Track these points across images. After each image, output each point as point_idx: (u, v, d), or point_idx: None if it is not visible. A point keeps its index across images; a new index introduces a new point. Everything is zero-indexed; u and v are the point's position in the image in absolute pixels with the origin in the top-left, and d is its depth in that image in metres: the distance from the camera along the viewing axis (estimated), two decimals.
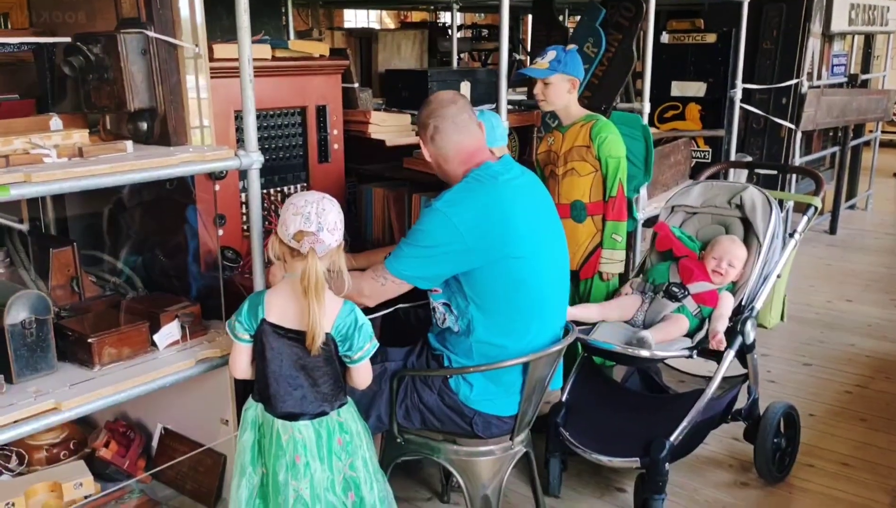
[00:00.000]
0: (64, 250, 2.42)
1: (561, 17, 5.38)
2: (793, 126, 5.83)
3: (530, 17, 7.95)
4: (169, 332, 2.35)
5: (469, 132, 2.39)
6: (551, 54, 3.09)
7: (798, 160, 6.03)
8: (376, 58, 4.48)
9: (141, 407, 2.80)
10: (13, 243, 2.44)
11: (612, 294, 3.18)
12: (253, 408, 2.16)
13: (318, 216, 2.05)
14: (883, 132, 8.67)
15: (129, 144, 2.21)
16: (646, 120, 4.14)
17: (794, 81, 5.70)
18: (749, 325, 2.84)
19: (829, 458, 3.29)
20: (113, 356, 2.22)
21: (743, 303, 2.91)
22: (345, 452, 2.14)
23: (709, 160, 5.17)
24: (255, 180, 2.35)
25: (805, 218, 3.11)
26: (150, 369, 2.23)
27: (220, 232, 2.83)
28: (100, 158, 2.09)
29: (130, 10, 2.30)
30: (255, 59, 2.79)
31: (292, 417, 2.09)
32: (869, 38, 7.57)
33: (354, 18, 10.33)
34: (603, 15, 4.17)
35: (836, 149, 7.10)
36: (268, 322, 2.07)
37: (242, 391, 2.51)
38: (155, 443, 2.78)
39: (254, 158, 2.31)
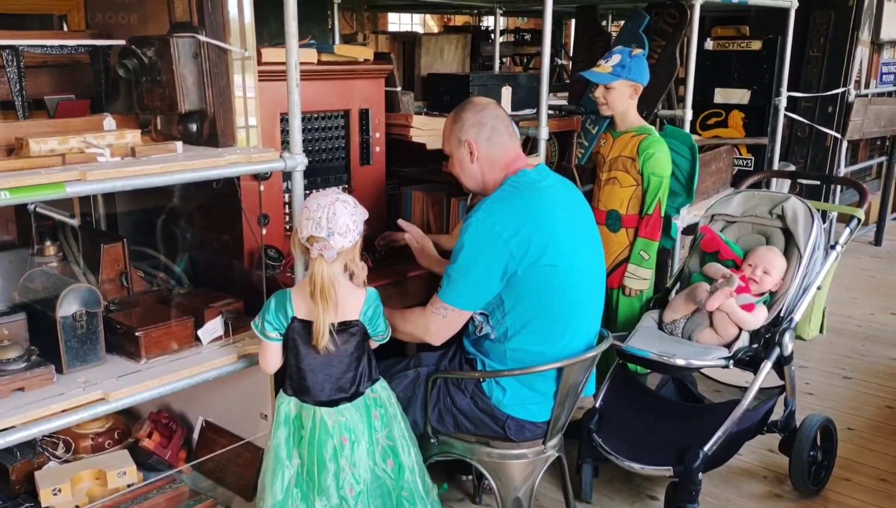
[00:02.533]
0: (114, 246, 2.50)
1: (604, 23, 5.36)
2: (838, 135, 5.75)
3: (573, 21, 7.97)
4: (213, 328, 2.42)
5: (514, 137, 2.42)
6: (616, 58, 3.07)
7: (843, 170, 5.94)
8: (419, 62, 4.52)
9: (183, 400, 2.88)
10: (66, 238, 2.53)
11: (637, 311, 3.18)
12: (286, 403, 2.22)
13: (328, 221, 2.10)
14: None
15: (178, 144, 2.28)
16: (688, 127, 4.14)
17: (840, 90, 5.62)
18: (787, 337, 2.83)
19: (867, 473, 3.25)
20: (159, 350, 2.29)
21: (781, 314, 2.89)
22: (381, 423, 2.25)
23: (751, 168, 5.12)
24: (298, 182, 2.41)
25: (847, 230, 3.08)
26: (193, 363, 2.29)
27: (264, 231, 2.90)
28: (151, 158, 2.16)
29: (183, 15, 2.37)
30: (301, 63, 2.86)
31: (333, 403, 2.18)
32: None
33: (399, 21, 10.39)
34: (647, 21, 4.16)
35: (882, 159, 6.97)
36: (298, 320, 2.13)
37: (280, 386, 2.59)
38: (196, 435, 2.86)
39: (298, 161, 2.36)
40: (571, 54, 5.16)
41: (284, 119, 2.81)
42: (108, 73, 2.46)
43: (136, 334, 2.25)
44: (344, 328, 2.17)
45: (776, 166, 5.06)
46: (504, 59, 5.96)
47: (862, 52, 5.84)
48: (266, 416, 2.61)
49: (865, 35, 5.81)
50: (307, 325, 2.14)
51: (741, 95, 5.11)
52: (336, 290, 2.11)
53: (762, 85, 5.02)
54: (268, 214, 2.90)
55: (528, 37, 6.83)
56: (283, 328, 2.17)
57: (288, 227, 2.98)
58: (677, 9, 4.12)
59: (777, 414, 3.05)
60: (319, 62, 2.95)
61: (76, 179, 1.93)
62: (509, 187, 2.34)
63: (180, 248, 2.82)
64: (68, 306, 2.15)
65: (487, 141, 2.38)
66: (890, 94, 6.87)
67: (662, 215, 3.10)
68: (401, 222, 2.79)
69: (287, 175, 2.58)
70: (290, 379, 2.22)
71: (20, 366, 2.05)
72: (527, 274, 2.25)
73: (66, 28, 2.84)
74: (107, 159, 2.10)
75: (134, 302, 2.52)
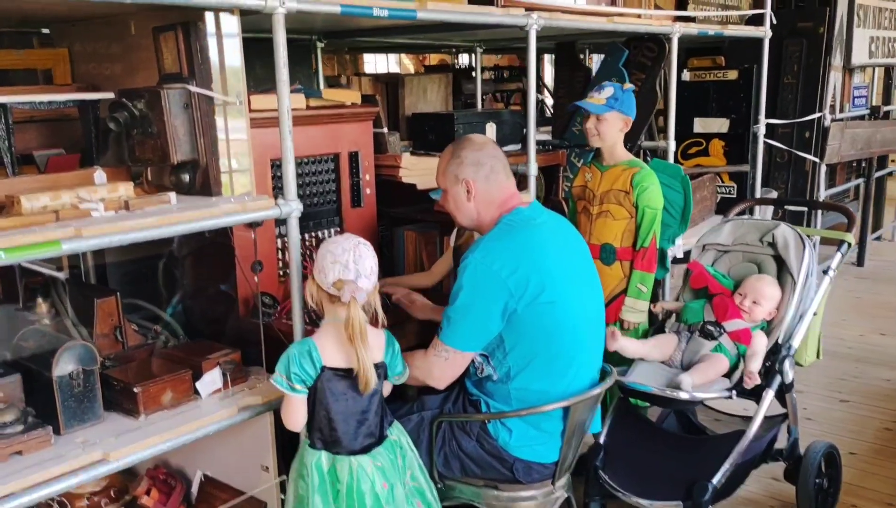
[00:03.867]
0: (107, 300, 2.46)
1: (581, 56, 5.41)
2: (817, 159, 5.82)
3: (548, 57, 8.04)
4: (211, 380, 2.38)
5: (510, 175, 2.42)
6: (609, 91, 3.09)
7: (823, 193, 6.01)
8: (403, 102, 4.54)
9: (181, 454, 2.81)
10: (57, 293, 2.48)
11: (642, 334, 3.17)
12: (317, 458, 2.16)
13: (355, 264, 2.11)
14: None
15: (172, 195, 2.26)
16: (671, 157, 4.18)
17: (816, 115, 5.70)
18: (787, 364, 2.83)
19: (873, 498, 3.24)
20: (157, 405, 2.25)
21: (780, 342, 2.89)
22: (405, 465, 2.24)
23: (734, 195, 5.17)
24: (294, 228, 2.39)
25: (839, 254, 3.10)
26: (194, 417, 2.25)
27: (257, 278, 2.87)
28: (145, 211, 2.13)
29: (172, 65, 2.36)
30: (295, 109, 2.87)
31: (366, 449, 2.16)
32: (889, 70, 7.57)
33: (374, 62, 10.45)
34: (626, 55, 4.21)
35: (860, 181, 7.07)
36: (329, 368, 2.11)
37: (280, 437, 2.54)
38: (195, 490, 2.79)
39: (293, 207, 2.35)
40: (553, 89, 5.20)
41: (275, 165, 2.82)
42: (97, 126, 2.44)
43: (134, 390, 2.20)
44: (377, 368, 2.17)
45: (758, 193, 5.11)
46: (485, 97, 5.99)
47: (835, 78, 5.94)
48: (267, 468, 2.56)
49: (837, 60, 5.92)
50: (338, 373, 2.11)
51: (720, 124, 5.18)
52: (367, 331, 2.10)
53: (740, 113, 5.08)
54: (261, 260, 2.88)
55: (506, 74, 6.89)
56: (312, 379, 2.12)
57: (281, 273, 2.95)
58: (655, 42, 4.19)
59: (780, 442, 3.04)
60: (308, 107, 2.95)
61: (72, 236, 1.90)
62: (505, 226, 2.33)
63: (173, 298, 2.78)
64: (65, 365, 2.10)
65: (486, 180, 2.38)
66: (864, 117, 7.00)
67: (660, 246, 3.12)
68: (382, 285, 2.76)
69: (280, 221, 2.58)
70: (318, 432, 2.16)
71: (17, 429, 2.00)
72: (526, 312, 2.24)
73: (52, 82, 2.81)
74: (100, 214, 2.07)
75: (129, 357, 2.47)
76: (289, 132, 2.32)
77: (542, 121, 4.77)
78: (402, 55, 10.79)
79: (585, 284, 2.40)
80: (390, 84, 4.62)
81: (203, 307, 2.78)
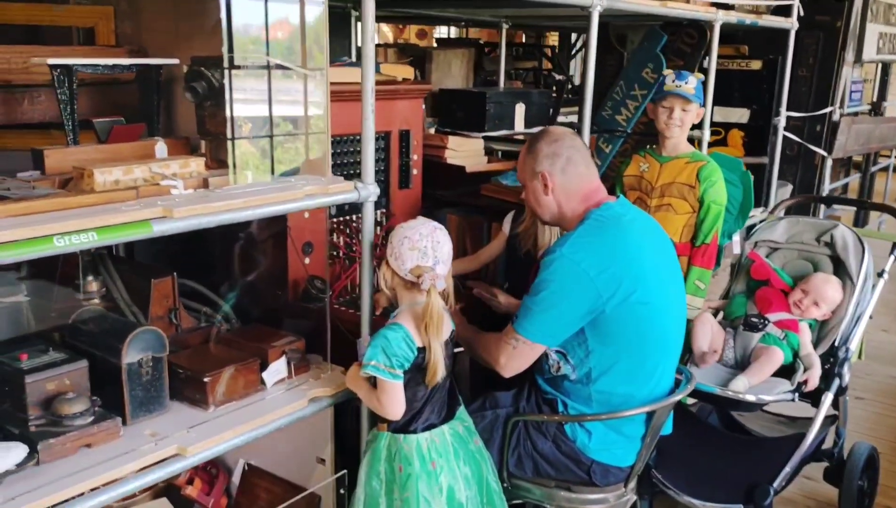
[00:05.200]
0: (164, 281, 2.31)
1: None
2: (825, 153, 5.83)
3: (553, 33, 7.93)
4: (277, 369, 2.25)
5: (592, 167, 2.32)
6: (693, 81, 2.98)
7: (828, 187, 6.04)
8: (429, 76, 4.40)
9: None
10: (108, 273, 2.32)
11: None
12: (416, 442, 2.09)
13: (434, 250, 2.04)
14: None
15: (248, 173, 2.12)
16: (705, 148, 4.11)
17: (829, 109, 5.70)
18: (846, 367, 2.80)
19: None
20: (226, 396, 2.12)
21: (836, 344, 2.86)
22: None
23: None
24: (369, 212, 2.26)
25: (892, 257, 3.08)
26: (263, 409, 2.13)
27: (307, 260, 2.74)
28: (226, 190, 1.99)
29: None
30: (348, 84, 2.73)
31: (451, 415, 2.16)
32: (886, 66, 7.63)
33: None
34: (664, 40, 4.13)
35: (856, 176, 7.13)
36: (421, 350, 2.02)
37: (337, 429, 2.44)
38: (236, 479, 2.67)
39: (371, 191, 2.22)
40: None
41: (335, 141, 2.68)
42: (159, 94, 2.27)
43: (204, 379, 2.07)
44: (447, 344, 2.10)
45: (774, 186, 5.08)
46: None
47: (847, 73, 5.95)
48: (324, 461, 2.45)
49: (850, 55, 5.92)
50: (424, 354, 2.03)
51: (740, 114, 5.13)
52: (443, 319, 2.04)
53: (762, 104, 5.04)
54: (311, 242, 2.75)
55: (521, 51, 6.76)
56: (409, 362, 2.02)
57: (331, 254, 2.82)
58: (696, 29, 4.10)
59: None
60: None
61: (160, 216, 1.75)
62: (594, 222, 2.23)
63: (223, 280, 2.63)
64: (134, 352, 1.96)
65: (562, 172, 2.27)
66: (856, 113, 7.04)
67: (719, 242, 3.05)
68: (477, 291, 2.67)
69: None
70: (417, 417, 2.08)
71: (87, 420, 1.86)
72: (615, 313, 2.15)
73: (94, 42, 2.62)
74: (180, 192, 1.92)
75: (184, 341, 2.33)
76: (371, 111, 2.18)
77: (567, 102, 4.67)
78: (381, 25, 10.54)
79: (673, 284, 2.32)
80: (417, 58, 4.46)
81: (253, 290, 2.64)
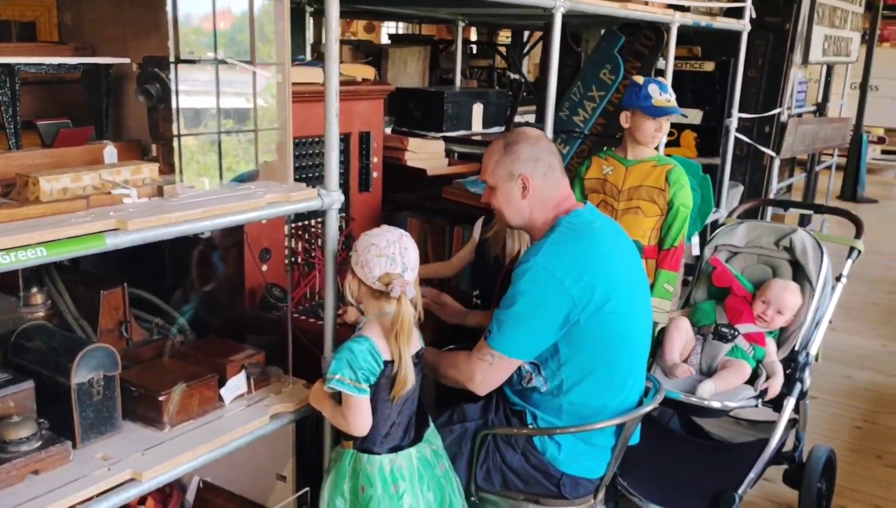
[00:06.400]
0: (113, 292, 2.19)
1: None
2: (773, 154, 5.91)
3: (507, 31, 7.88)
4: (235, 384, 2.15)
5: (565, 174, 2.27)
6: (670, 91, 2.99)
7: (775, 187, 6.12)
8: (385, 74, 4.31)
9: None
10: (54, 284, 2.18)
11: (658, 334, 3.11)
12: (379, 463, 2.00)
13: (402, 257, 1.98)
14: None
15: (206, 180, 2.01)
16: (662, 149, 4.11)
17: (778, 110, 5.78)
18: (807, 372, 2.81)
19: (861, 500, 3.30)
20: (183, 414, 2.01)
21: (796, 348, 2.88)
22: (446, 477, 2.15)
23: None
24: (333, 220, 2.18)
25: (849, 261, 3.11)
26: (223, 428, 2.03)
27: (265, 267, 2.64)
28: (182, 199, 1.89)
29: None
30: (305, 84, 2.64)
31: (419, 438, 2.07)
32: (830, 68, 7.78)
33: None
34: (621, 42, 4.11)
35: (802, 176, 7.26)
36: (388, 363, 1.95)
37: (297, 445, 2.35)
38: (191, 497, 2.55)
39: (335, 197, 2.13)
40: (539, 71, 5.05)
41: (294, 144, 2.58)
42: (108, 94, 2.14)
43: (159, 398, 1.96)
44: (417, 359, 2.03)
45: (726, 187, 5.13)
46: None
47: (794, 74, 6.03)
48: (284, 478, 2.36)
49: (798, 57, 6.00)
50: (390, 367, 1.95)
51: (693, 115, 5.15)
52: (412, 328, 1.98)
53: (714, 105, 5.07)
54: (269, 248, 2.65)
55: (475, 49, 6.69)
56: (376, 376, 1.93)
57: (288, 261, 2.72)
58: (653, 31, 4.09)
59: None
60: (323, 83, 2.71)
61: (113, 228, 1.64)
62: (566, 229, 2.17)
63: (175, 289, 2.52)
64: (84, 371, 1.84)
65: (543, 177, 2.21)
66: (800, 114, 7.17)
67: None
68: (425, 300, 2.60)
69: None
70: (379, 436, 1.99)
71: (34, 446, 1.74)
72: (589, 323, 2.10)
73: (36, 37, 2.47)
74: (134, 201, 1.81)
75: (136, 355, 2.21)
76: (335, 114, 2.10)
77: (523, 102, 4.62)
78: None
79: (641, 292, 2.29)
80: (372, 55, 4.36)
81: (207, 298, 2.53)
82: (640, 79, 3.03)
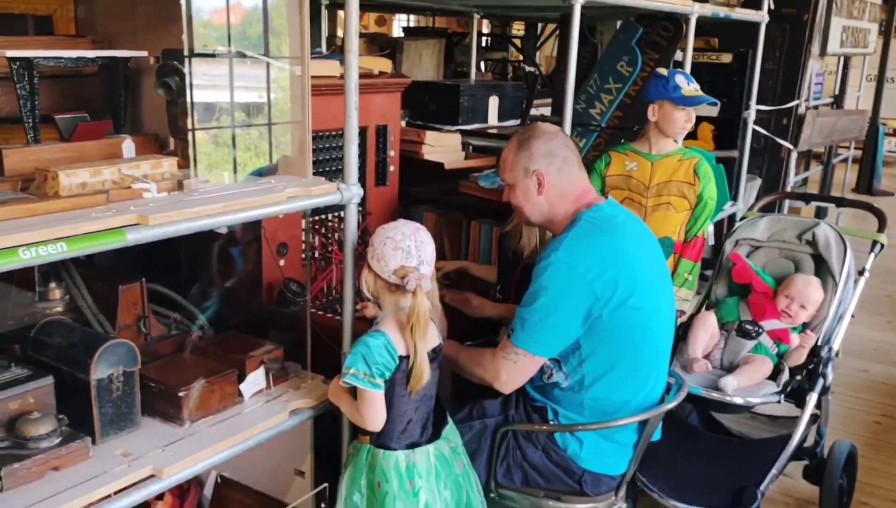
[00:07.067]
0: (132, 287, 2.17)
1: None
2: (791, 146, 5.86)
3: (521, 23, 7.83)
4: (255, 380, 2.14)
5: (583, 167, 2.25)
6: (695, 81, 2.96)
7: (792, 180, 6.07)
8: (401, 67, 4.28)
9: None
10: (72, 278, 2.17)
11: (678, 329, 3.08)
12: (395, 459, 1.98)
13: (418, 250, 1.96)
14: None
15: (226, 174, 2.00)
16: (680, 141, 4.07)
17: (796, 102, 5.72)
18: (829, 367, 2.77)
19: (882, 496, 3.26)
20: (202, 410, 2.00)
21: (819, 343, 2.84)
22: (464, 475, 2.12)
23: None
24: (352, 214, 2.16)
25: (872, 255, 3.07)
26: (242, 424, 2.01)
27: (282, 262, 2.62)
28: (202, 193, 1.87)
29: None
30: (323, 77, 2.61)
31: (437, 435, 2.05)
32: (847, 59, 7.70)
33: None
34: (639, 33, 4.06)
35: (819, 168, 7.19)
36: (403, 358, 1.93)
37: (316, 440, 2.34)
38: (208, 492, 2.54)
39: (354, 192, 2.11)
40: (556, 64, 5.01)
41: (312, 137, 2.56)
42: (126, 88, 2.12)
43: (179, 394, 1.95)
44: (434, 355, 2.00)
45: (744, 179, 5.08)
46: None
47: (812, 66, 5.97)
48: (303, 473, 2.35)
49: (815, 48, 5.94)
50: (406, 362, 1.93)
51: (710, 108, 5.09)
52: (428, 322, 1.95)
53: (731, 97, 5.01)
54: (286, 243, 2.63)
55: (489, 42, 6.64)
56: (391, 371, 1.91)
57: (305, 256, 2.71)
58: (672, 22, 4.04)
59: None
60: (341, 76, 2.68)
61: (134, 223, 1.63)
62: (588, 223, 2.15)
63: (194, 284, 2.50)
64: (104, 367, 1.83)
65: (558, 172, 2.19)
66: (816, 106, 7.09)
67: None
68: (448, 298, 2.58)
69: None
70: (395, 431, 1.97)
71: (53, 442, 1.73)
72: (611, 318, 2.08)
73: (53, 31, 2.46)
74: (154, 196, 1.80)
75: (155, 351, 2.20)
76: (354, 108, 2.08)
77: (539, 95, 4.59)
78: (339, 12, 10.36)
79: (664, 287, 2.26)
80: (388, 48, 4.34)
81: (225, 293, 2.51)
82: (664, 71, 3.00)
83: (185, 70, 1.91)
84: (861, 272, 3.03)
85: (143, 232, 1.62)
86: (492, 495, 2.28)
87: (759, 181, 5.45)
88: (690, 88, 2.93)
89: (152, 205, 1.72)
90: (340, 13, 10.56)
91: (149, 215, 1.63)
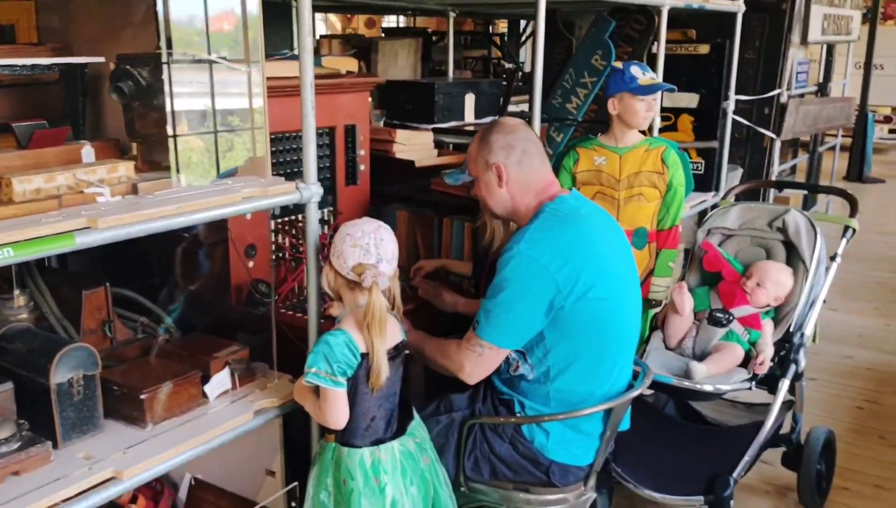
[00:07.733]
0: (96, 291, 2.19)
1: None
2: (774, 136, 5.86)
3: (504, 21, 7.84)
4: (220, 381, 2.15)
5: (546, 160, 2.26)
6: (650, 71, 2.99)
7: (776, 169, 6.07)
8: (375, 67, 4.29)
9: None
10: (36, 285, 2.18)
11: (646, 327, 3.09)
12: (359, 456, 1.99)
13: (377, 248, 1.97)
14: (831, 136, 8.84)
15: (182, 176, 2.00)
16: (656, 133, 4.08)
17: (776, 92, 5.73)
18: (801, 353, 2.78)
19: (862, 480, 3.27)
20: (166, 412, 2.01)
21: (790, 329, 2.85)
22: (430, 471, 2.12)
23: (702, 172, 5.12)
24: (313, 213, 2.16)
25: (844, 240, 3.08)
26: (207, 424, 2.02)
27: (251, 264, 2.63)
28: (157, 196, 1.88)
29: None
30: (288, 78, 2.62)
31: (401, 430, 2.05)
32: (830, 47, 7.71)
33: None
34: (612, 27, 4.08)
35: (805, 157, 7.20)
36: (365, 356, 1.93)
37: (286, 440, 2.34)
38: (183, 494, 2.56)
39: (314, 191, 2.12)
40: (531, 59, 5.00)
41: (275, 139, 2.58)
42: (84, 94, 2.14)
43: (141, 396, 1.96)
44: (396, 352, 2.01)
45: (724, 170, 5.09)
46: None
47: (793, 54, 5.98)
48: (274, 473, 2.36)
49: (796, 37, 5.95)
50: (368, 360, 1.94)
51: (689, 99, 5.10)
52: (386, 319, 1.95)
53: (710, 88, 5.02)
54: (255, 244, 2.64)
55: (469, 39, 6.65)
56: (353, 369, 1.92)
57: (277, 256, 2.72)
58: (644, 14, 4.06)
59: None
60: None
61: (84, 226, 1.64)
62: (550, 215, 2.16)
63: (160, 286, 2.51)
64: (64, 371, 1.84)
65: (518, 165, 2.21)
66: (802, 95, 7.10)
67: None
68: (422, 291, 2.64)
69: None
70: (359, 429, 1.98)
71: (13, 447, 1.74)
72: (574, 309, 2.09)
73: (14, 40, 2.47)
74: (107, 200, 1.81)
75: (120, 354, 2.21)
76: (311, 108, 2.08)
77: (517, 91, 4.60)
78: (329, 15, 10.36)
79: (629, 278, 2.27)
80: (361, 48, 4.35)
81: (192, 296, 2.53)
82: (619, 64, 3.02)
83: (139, 74, 1.92)
84: (833, 258, 3.03)
85: (94, 235, 1.63)
86: (462, 489, 2.29)
87: (740, 171, 5.46)
88: (646, 77, 2.94)
89: (104, 209, 1.73)
90: (331, 16, 10.56)
91: (98, 218, 1.64)
